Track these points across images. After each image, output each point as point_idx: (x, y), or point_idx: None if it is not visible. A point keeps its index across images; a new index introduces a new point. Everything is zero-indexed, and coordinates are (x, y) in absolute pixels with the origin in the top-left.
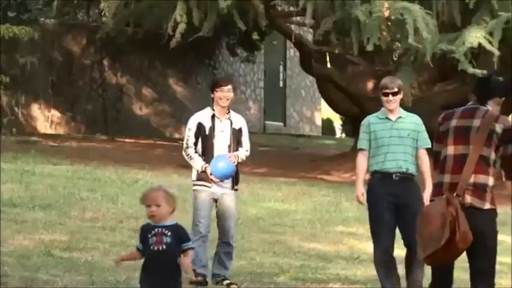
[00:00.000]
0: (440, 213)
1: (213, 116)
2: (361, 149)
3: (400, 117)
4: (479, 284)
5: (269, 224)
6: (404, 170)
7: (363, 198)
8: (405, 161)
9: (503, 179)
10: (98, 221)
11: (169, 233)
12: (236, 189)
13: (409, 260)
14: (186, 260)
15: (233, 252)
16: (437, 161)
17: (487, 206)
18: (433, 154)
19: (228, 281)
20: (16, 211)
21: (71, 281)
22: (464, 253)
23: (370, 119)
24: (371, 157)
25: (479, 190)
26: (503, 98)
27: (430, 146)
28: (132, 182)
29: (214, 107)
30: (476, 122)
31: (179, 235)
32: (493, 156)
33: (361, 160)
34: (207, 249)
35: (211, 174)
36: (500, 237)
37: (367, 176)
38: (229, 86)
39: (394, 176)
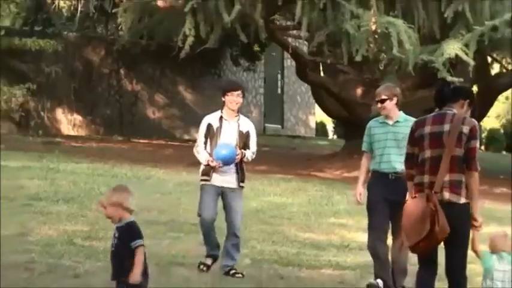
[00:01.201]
0: (421, 209)
1: (221, 118)
2: (364, 151)
3: (397, 121)
4: (452, 270)
5: (268, 216)
6: (398, 170)
7: (360, 198)
8: (400, 162)
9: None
10: None
11: (117, 234)
12: (242, 187)
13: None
14: (135, 259)
15: (239, 244)
16: (408, 161)
17: (462, 200)
18: (406, 155)
19: (234, 271)
20: (42, 204)
21: (91, 267)
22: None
23: (371, 123)
24: (372, 158)
25: (455, 187)
26: (468, 100)
27: None
28: (145, 178)
29: (224, 110)
30: (447, 127)
31: (127, 235)
32: (463, 154)
33: (363, 161)
34: (215, 235)
35: (208, 161)
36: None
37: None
38: (239, 92)
39: (390, 176)
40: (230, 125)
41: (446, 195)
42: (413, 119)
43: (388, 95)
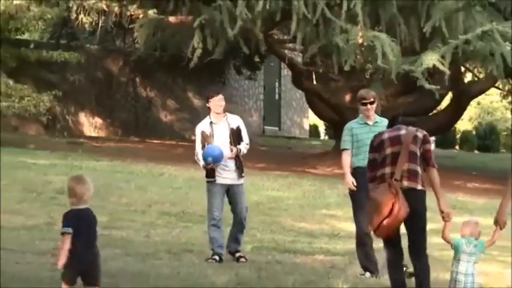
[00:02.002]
0: (383, 193)
1: (211, 123)
2: (345, 149)
3: (376, 121)
4: (414, 251)
5: (267, 208)
6: None
7: (353, 184)
8: None
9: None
10: (131, 206)
11: None
12: (242, 176)
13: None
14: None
15: (244, 231)
16: (371, 166)
17: (419, 187)
18: (368, 161)
19: (239, 254)
20: (67, 198)
21: (110, 253)
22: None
23: (351, 124)
24: (353, 155)
25: (412, 175)
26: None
27: None
28: (158, 174)
29: (211, 115)
30: (403, 131)
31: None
32: (418, 152)
33: (346, 157)
34: (222, 233)
35: (204, 163)
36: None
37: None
38: (220, 96)
39: None
40: (220, 127)
41: (405, 183)
42: (386, 120)
43: (374, 97)
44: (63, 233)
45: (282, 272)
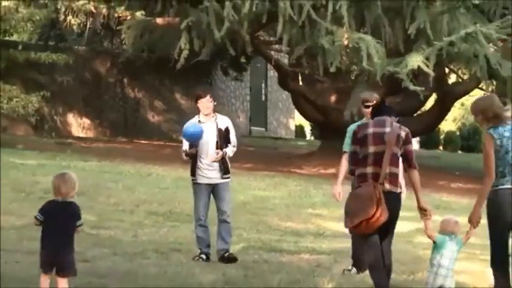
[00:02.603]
0: (368, 194)
1: (199, 122)
2: (345, 152)
3: None
4: (384, 250)
5: (254, 207)
6: None
7: (339, 197)
8: None
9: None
10: (119, 205)
11: None
12: (226, 178)
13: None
14: None
15: (231, 230)
16: (353, 158)
17: (398, 190)
18: (350, 154)
19: (229, 254)
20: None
21: (98, 253)
22: None
23: (353, 127)
24: None
25: (393, 178)
26: (397, 119)
27: None
28: (146, 174)
29: (200, 114)
30: (388, 129)
31: None
32: (399, 152)
33: (344, 162)
34: (209, 233)
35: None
36: None
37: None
38: (208, 97)
39: None
40: (208, 126)
41: (387, 186)
42: None
43: (377, 100)
44: (35, 217)
45: (268, 271)
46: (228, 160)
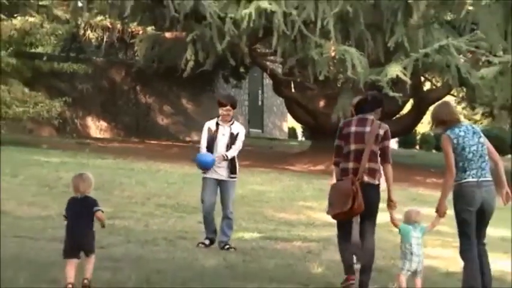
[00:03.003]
0: (347, 189)
1: (217, 123)
2: None
3: None
4: (366, 237)
5: (251, 200)
6: None
7: None
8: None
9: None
10: (132, 198)
11: None
12: (233, 177)
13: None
14: None
15: (232, 225)
16: (337, 152)
17: (376, 182)
18: (335, 147)
19: (228, 245)
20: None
21: (114, 240)
22: None
23: None
24: None
25: (372, 172)
26: (381, 108)
27: None
28: (156, 171)
29: (220, 117)
30: (368, 129)
31: None
32: (378, 150)
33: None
34: (214, 220)
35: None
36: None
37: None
38: (228, 107)
39: None
40: (224, 129)
41: (366, 178)
42: None
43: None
44: (64, 215)
45: (264, 256)
46: (236, 161)
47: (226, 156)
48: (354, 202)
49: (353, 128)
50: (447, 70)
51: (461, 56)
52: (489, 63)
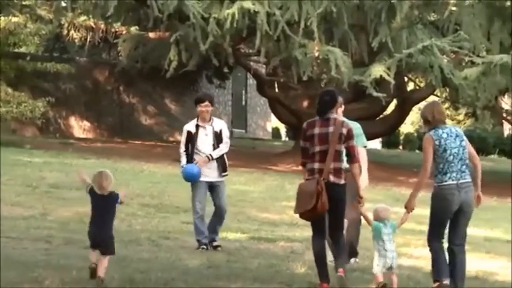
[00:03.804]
0: (312, 189)
1: (197, 125)
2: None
3: None
4: (334, 233)
5: (235, 200)
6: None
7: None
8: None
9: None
10: None
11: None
12: (225, 175)
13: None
14: None
15: (223, 224)
16: (304, 153)
17: (342, 182)
18: (301, 149)
19: (216, 243)
20: (59, 191)
21: None
22: None
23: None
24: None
25: (337, 172)
26: (340, 101)
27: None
28: (139, 171)
29: (199, 118)
30: (331, 129)
31: None
32: (343, 149)
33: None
34: (205, 224)
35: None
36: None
37: None
38: (206, 102)
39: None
40: (205, 130)
41: (332, 178)
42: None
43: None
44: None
45: (248, 256)
46: (225, 158)
47: (211, 157)
48: (317, 201)
49: (317, 130)
50: (430, 70)
51: (444, 56)
52: (472, 63)
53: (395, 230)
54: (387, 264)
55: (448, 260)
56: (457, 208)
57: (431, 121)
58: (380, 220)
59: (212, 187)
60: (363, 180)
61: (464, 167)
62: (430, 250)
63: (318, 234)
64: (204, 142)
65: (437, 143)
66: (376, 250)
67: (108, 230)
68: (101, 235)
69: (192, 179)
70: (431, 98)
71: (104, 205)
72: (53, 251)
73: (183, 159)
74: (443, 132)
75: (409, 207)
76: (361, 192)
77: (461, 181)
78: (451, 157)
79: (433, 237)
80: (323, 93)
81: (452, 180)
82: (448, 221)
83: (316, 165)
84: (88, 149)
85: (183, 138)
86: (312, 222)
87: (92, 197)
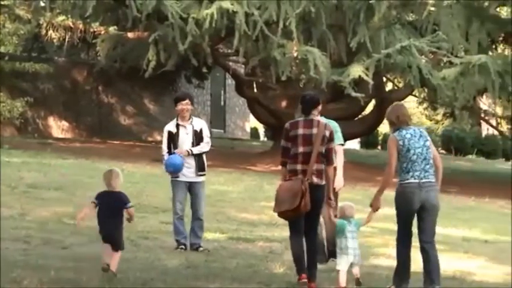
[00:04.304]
0: (296, 188)
1: (177, 124)
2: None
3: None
4: (312, 232)
5: (214, 200)
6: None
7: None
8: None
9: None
10: None
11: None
12: (202, 175)
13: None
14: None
15: (203, 226)
16: (284, 153)
17: (323, 182)
18: (282, 148)
19: (201, 248)
20: (37, 191)
21: (76, 241)
22: None
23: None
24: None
25: (319, 173)
26: (320, 103)
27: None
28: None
29: (178, 117)
30: (315, 130)
31: None
32: (324, 150)
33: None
34: (185, 225)
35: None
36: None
37: None
38: (187, 100)
39: None
40: (186, 129)
41: (315, 179)
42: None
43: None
44: (92, 202)
45: (226, 256)
46: (204, 158)
47: (191, 151)
48: (301, 201)
49: (300, 130)
50: (409, 71)
51: (422, 56)
52: (450, 64)
53: (359, 227)
54: (349, 260)
55: (422, 259)
56: (419, 206)
57: (396, 122)
58: (345, 218)
59: (191, 187)
60: (339, 181)
61: (428, 166)
62: (396, 252)
63: (296, 234)
64: (185, 141)
65: (401, 143)
66: (339, 248)
67: (118, 225)
68: (110, 230)
69: (175, 169)
70: (410, 99)
71: (112, 202)
72: (31, 251)
73: (166, 156)
74: (407, 133)
75: (374, 207)
76: (330, 194)
77: (423, 180)
78: (415, 156)
79: (400, 237)
80: (306, 94)
81: (415, 179)
82: (412, 219)
83: (299, 167)
84: (66, 149)
85: (164, 139)
86: (290, 222)
87: (99, 200)
